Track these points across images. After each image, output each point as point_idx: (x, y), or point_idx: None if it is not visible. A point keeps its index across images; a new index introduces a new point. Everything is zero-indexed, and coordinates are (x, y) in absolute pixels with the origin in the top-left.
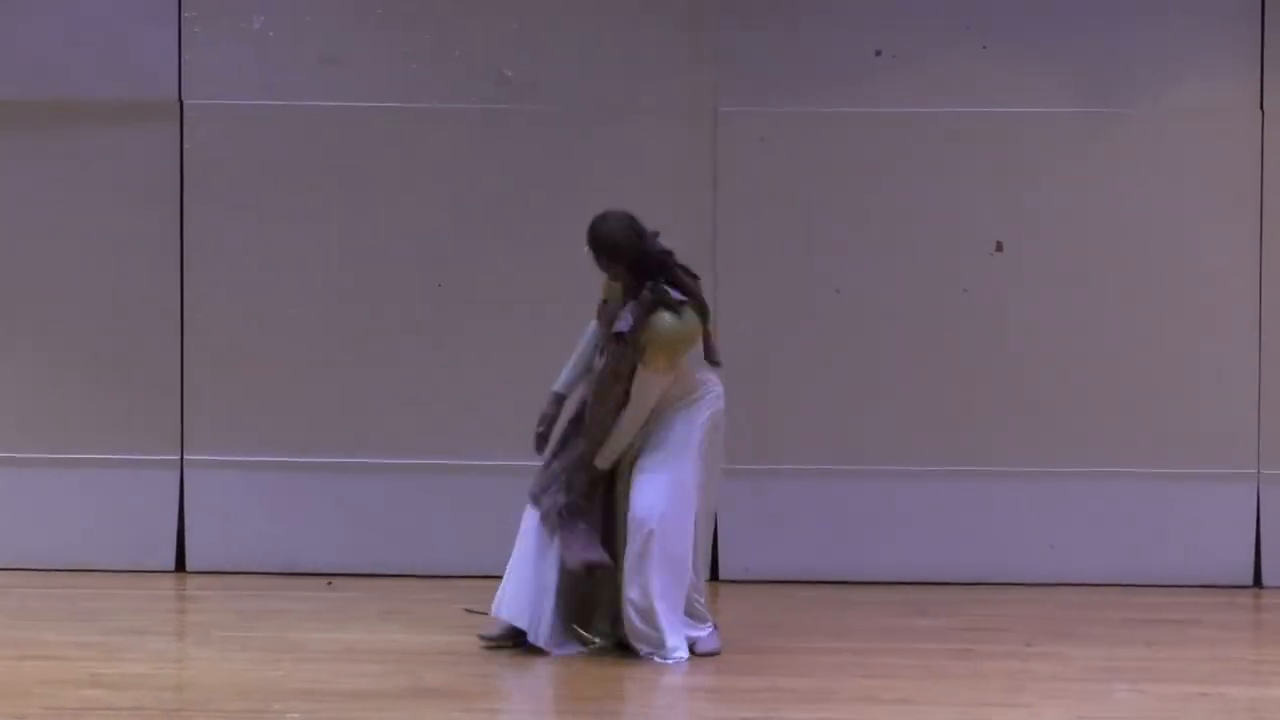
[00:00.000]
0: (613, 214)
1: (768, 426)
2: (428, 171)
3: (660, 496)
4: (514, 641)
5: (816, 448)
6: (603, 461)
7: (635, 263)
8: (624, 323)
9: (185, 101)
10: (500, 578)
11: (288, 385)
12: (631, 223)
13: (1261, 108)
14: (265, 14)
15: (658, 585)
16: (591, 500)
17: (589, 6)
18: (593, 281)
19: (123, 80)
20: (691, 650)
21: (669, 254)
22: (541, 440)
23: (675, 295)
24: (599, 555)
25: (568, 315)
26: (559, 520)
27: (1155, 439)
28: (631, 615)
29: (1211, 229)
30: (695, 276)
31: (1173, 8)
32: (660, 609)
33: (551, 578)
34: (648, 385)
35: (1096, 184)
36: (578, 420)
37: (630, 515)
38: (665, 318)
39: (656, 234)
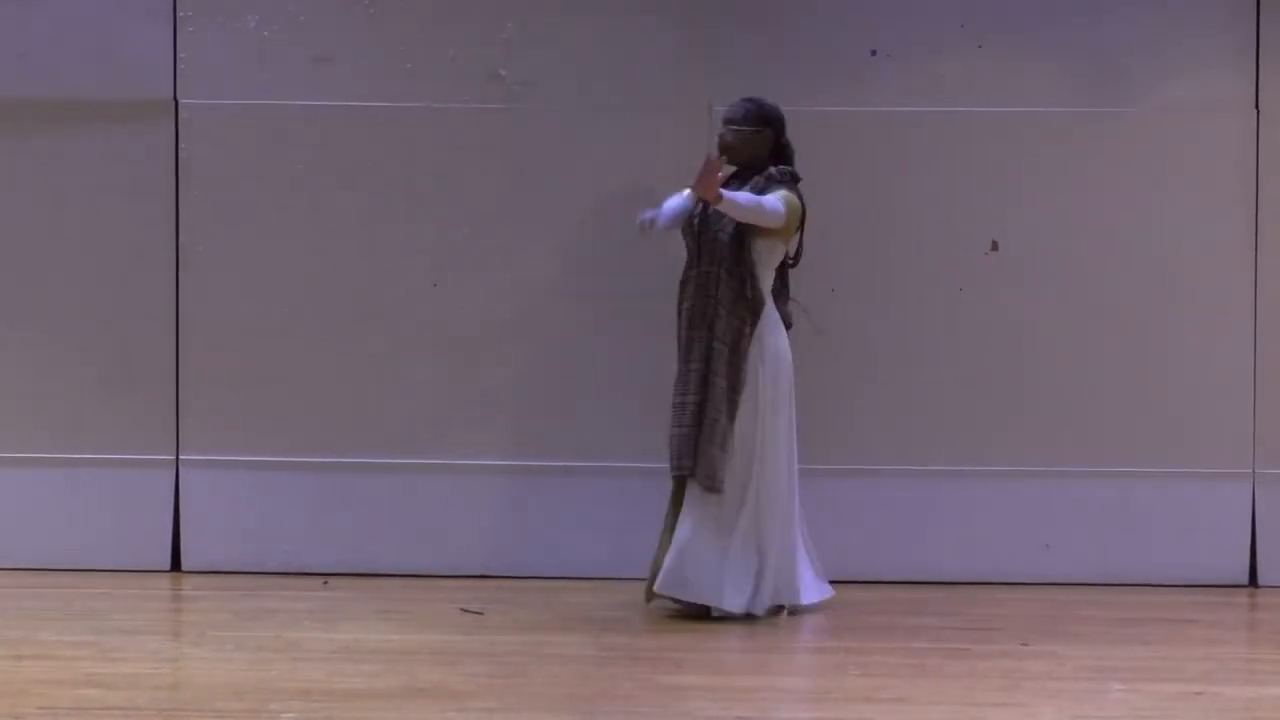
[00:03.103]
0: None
1: None
2: (423, 171)
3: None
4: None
5: (809, 447)
6: (726, 196)
7: (778, 145)
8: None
9: (180, 101)
10: (496, 577)
11: (283, 385)
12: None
13: (1257, 107)
14: (260, 13)
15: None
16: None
17: (583, 6)
18: (593, 283)
19: (117, 79)
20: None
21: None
22: None
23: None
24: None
25: (565, 314)
26: None
27: (1151, 438)
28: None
29: (1207, 228)
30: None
31: (1168, 6)
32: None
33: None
34: (773, 201)
35: (1092, 183)
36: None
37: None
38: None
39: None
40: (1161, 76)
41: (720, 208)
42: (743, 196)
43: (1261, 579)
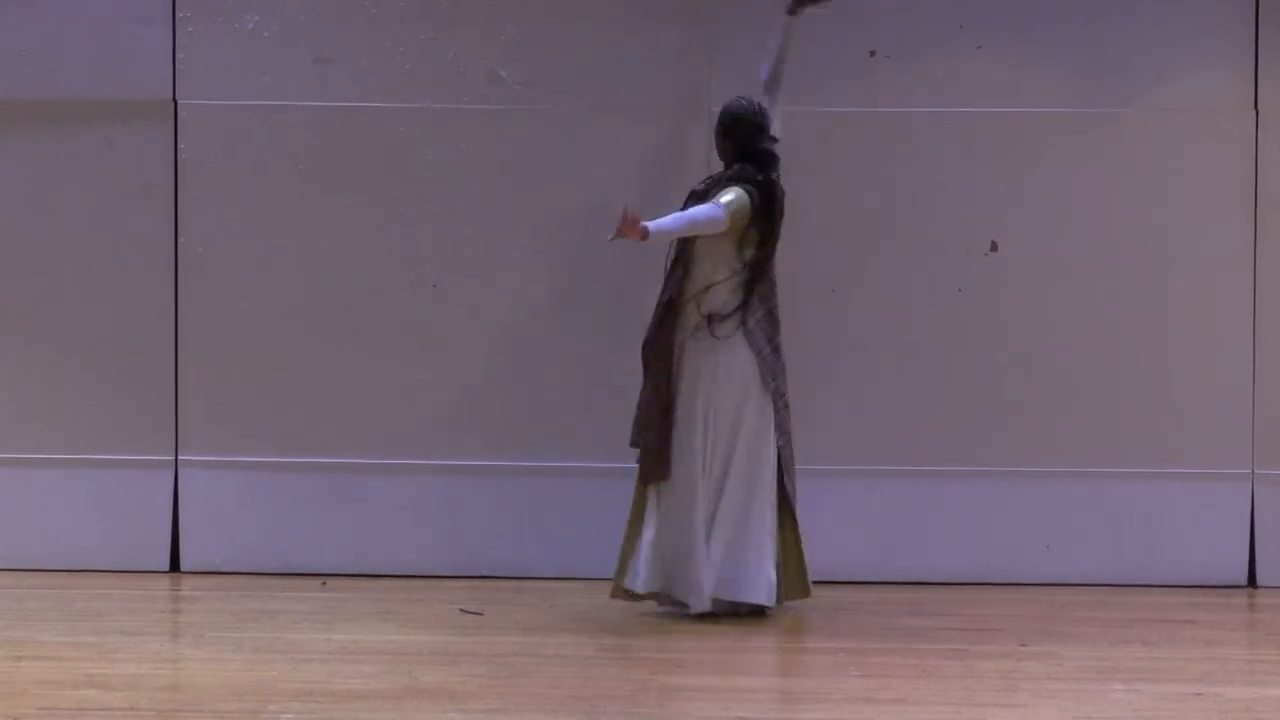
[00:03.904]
0: (746, 100)
1: None
2: (422, 171)
3: None
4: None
5: (809, 448)
6: (653, 228)
7: (743, 147)
8: (699, 184)
9: (179, 101)
10: (495, 578)
11: (283, 385)
12: (758, 114)
13: (1256, 108)
14: (259, 14)
15: None
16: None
17: (582, 6)
18: (592, 284)
19: (117, 80)
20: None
21: (773, 158)
22: None
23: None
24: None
25: (564, 315)
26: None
27: (1150, 439)
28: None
29: (1206, 229)
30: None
31: (1168, 7)
32: None
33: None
34: (707, 209)
35: (1091, 184)
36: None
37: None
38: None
39: (775, 140)
40: (1161, 78)
41: (654, 239)
42: (670, 221)
43: (1260, 579)
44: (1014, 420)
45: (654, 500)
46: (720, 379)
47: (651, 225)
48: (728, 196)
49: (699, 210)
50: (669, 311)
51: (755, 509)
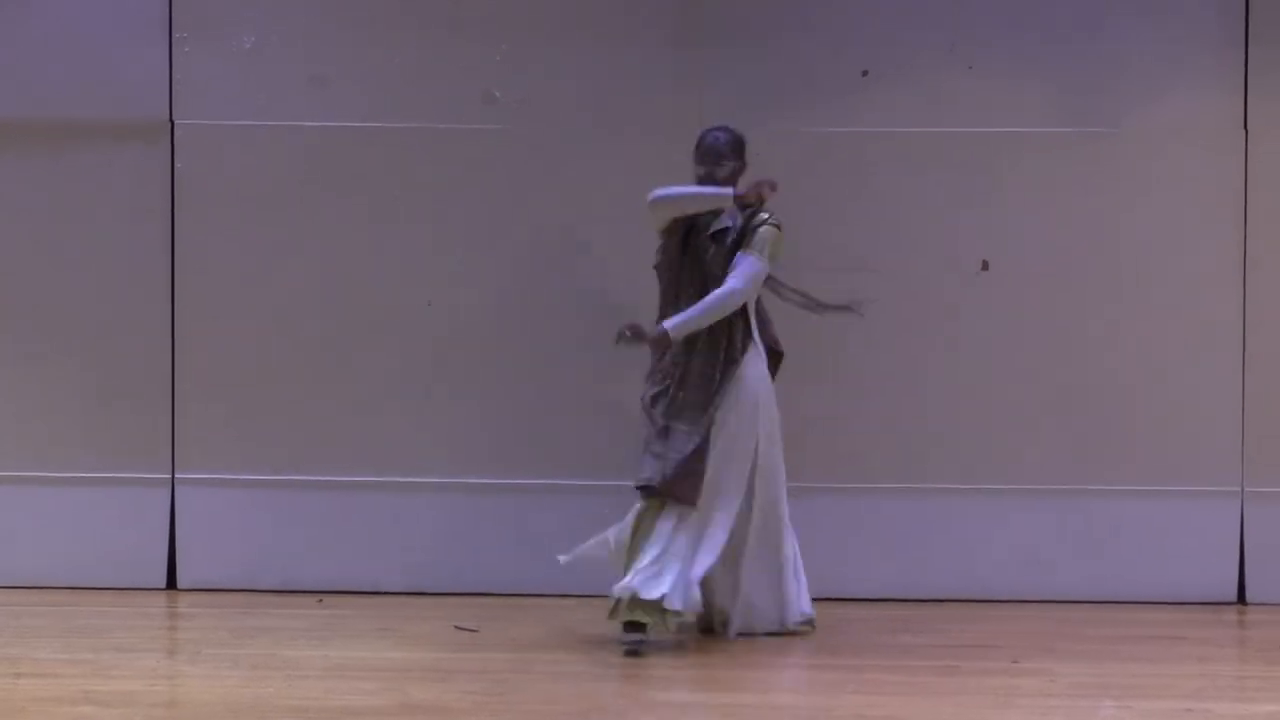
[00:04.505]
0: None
1: None
2: (417, 191)
3: None
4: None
5: (801, 465)
6: (676, 332)
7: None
8: (726, 220)
9: (176, 121)
10: (490, 595)
11: (278, 403)
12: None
13: (1245, 127)
14: (256, 34)
15: None
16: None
17: (577, 27)
18: (589, 303)
19: (113, 100)
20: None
21: None
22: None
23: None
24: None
25: (560, 334)
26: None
27: (1140, 456)
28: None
29: (1196, 248)
30: None
31: (1157, 28)
32: None
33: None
34: (731, 294)
35: (1082, 203)
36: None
37: None
38: (768, 218)
39: None
40: (1151, 97)
41: (681, 336)
42: (696, 311)
43: (1250, 596)
44: (1005, 438)
45: (671, 520)
46: (744, 406)
47: (678, 327)
48: (760, 247)
49: (726, 289)
50: (716, 344)
51: (781, 529)
